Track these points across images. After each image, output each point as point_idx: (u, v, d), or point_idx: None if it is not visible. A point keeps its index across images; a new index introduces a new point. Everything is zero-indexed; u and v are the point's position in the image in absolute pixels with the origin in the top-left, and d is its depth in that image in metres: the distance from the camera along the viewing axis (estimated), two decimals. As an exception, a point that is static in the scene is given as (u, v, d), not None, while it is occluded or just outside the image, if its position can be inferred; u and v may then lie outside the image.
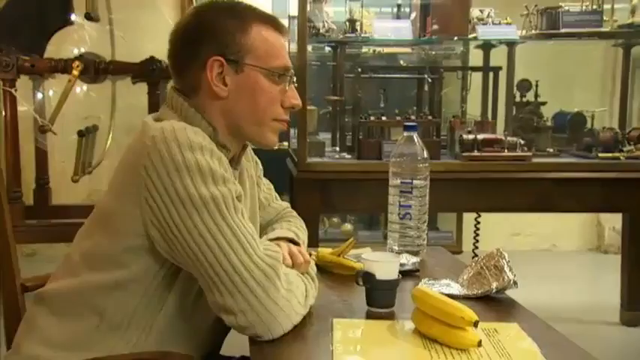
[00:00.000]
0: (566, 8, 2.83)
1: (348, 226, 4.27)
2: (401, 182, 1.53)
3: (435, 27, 2.78)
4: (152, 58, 3.11)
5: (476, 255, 3.25)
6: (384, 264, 1.19)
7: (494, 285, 1.29)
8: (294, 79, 1.21)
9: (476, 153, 2.68)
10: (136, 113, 3.35)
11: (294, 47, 3.05)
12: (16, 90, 2.91)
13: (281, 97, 1.18)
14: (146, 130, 1.06)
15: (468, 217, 3.96)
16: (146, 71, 3.06)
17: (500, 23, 2.85)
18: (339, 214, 4.19)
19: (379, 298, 1.19)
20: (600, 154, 2.81)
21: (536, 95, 3.06)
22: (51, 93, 3.18)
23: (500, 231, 4.14)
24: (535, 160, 2.79)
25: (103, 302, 1.09)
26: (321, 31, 2.79)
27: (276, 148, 1.29)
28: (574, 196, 2.76)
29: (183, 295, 1.12)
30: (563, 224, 4.32)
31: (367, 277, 1.18)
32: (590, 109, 3.03)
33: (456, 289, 1.33)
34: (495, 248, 1.36)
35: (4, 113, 2.88)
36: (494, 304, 1.27)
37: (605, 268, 3.98)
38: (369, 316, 1.18)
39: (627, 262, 2.98)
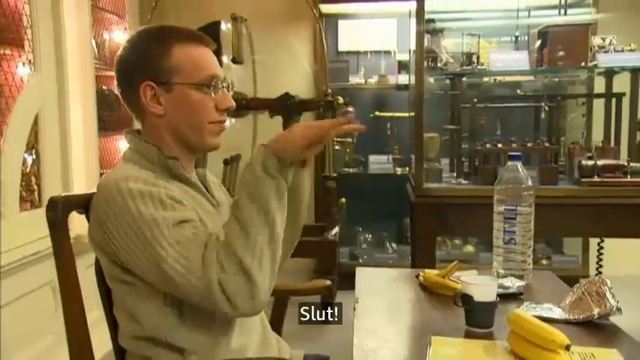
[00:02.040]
0: (697, 31, 2.72)
1: (469, 248, 4.30)
2: (505, 209, 1.60)
3: (554, 56, 2.80)
4: (286, 94, 3.40)
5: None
6: (481, 286, 1.27)
7: (595, 311, 1.32)
8: (226, 83, 1.31)
9: (596, 179, 2.66)
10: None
11: (412, 79, 3.19)
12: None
13: (214, 102, 1.29)
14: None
15: (595, 242, 3.82)
16: (281, 106, 3.36)
17: (623, 50, 2.81)
18: (458, 236, 4.23)
19: (477, 318, 1.27)
20: None
21: (663, 121, 2.95)
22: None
23: (629, 255, 3.95)
24: (662, 186, 2.69)
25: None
26: (439, 64, 2.91)
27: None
28: None
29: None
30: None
31: (465, 299, 1.27)
32: None
33: (557, 313, 1.36)
34: (597, 275, 1.40)
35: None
36: (597, 329, 1.29)
37: None
38: (467, 335, 1.25)
39: None
